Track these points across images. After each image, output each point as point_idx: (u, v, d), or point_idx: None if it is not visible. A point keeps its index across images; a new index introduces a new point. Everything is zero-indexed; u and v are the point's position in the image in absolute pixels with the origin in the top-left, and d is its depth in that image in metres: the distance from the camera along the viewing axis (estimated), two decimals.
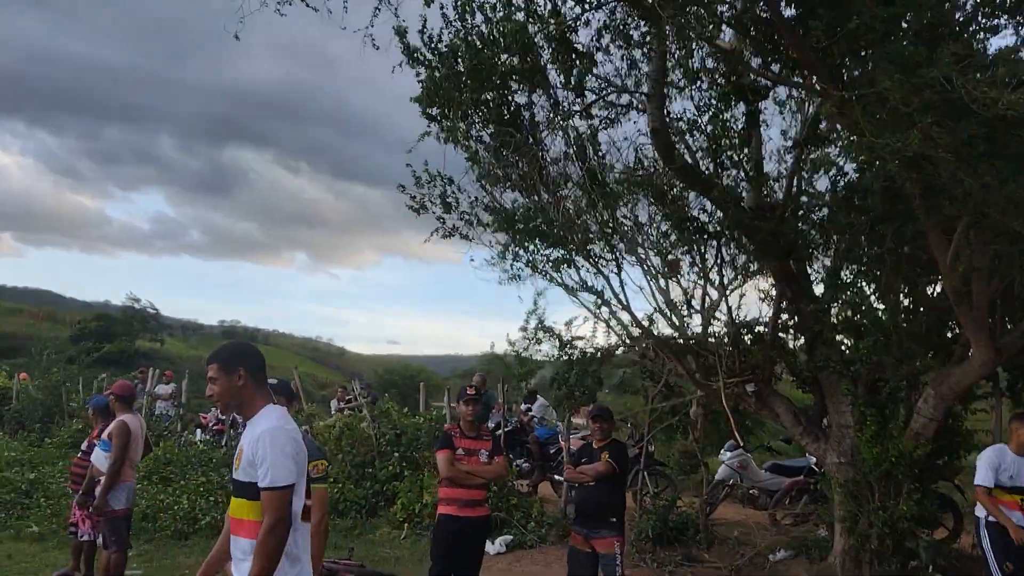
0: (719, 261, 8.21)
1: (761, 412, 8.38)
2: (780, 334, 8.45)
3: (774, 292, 8.38)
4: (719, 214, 7.85)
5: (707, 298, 8.42)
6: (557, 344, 9.31)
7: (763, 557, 8.44)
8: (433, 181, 7.97)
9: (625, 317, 8.31)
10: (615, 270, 8.07)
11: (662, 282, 8.43)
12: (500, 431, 11.96)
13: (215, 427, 16.45)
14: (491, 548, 9.16)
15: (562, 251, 7.91)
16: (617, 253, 8.04)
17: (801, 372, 8.40)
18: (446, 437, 6.28)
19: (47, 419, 17.18)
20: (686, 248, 8.20)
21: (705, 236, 8.02)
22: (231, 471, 3.50)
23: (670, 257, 8.21)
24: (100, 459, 7.12)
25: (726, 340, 8.32)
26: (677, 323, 8.45)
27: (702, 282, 8.37)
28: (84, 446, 7.94)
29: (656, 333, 8.47)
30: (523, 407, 12.31)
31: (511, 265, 8.16)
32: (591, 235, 7.89)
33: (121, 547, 7.07)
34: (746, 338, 8.31)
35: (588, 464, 6.32)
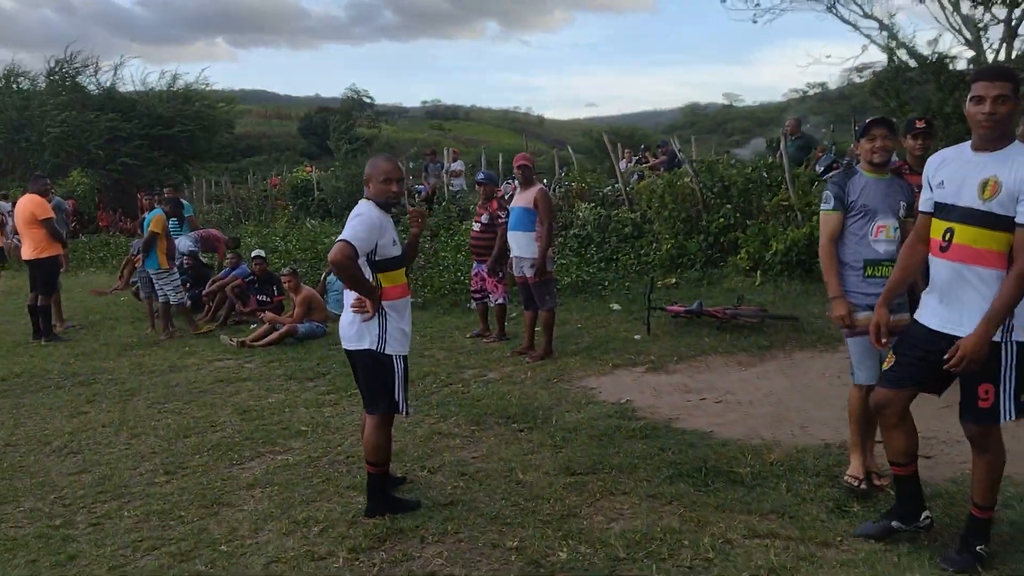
0: None
1: None
2: None
3: None
4: None
5: None
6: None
7: None
8: None
9: None
10: None
11: None
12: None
13: None
14: None
15: None
16: None
17: None
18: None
19: (351, 205, 18.46)
20: None
21: None
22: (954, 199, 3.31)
23: None
24: (519, 227, 7.47)
25: None
26: None
27: None
28: (484, 219, 8.34)
29: None
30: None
31: None
32: None
33: (555, 304, 7.58)
34: None
35: None
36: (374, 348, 4.06)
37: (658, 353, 7.46)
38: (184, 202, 12.92)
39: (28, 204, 9.96)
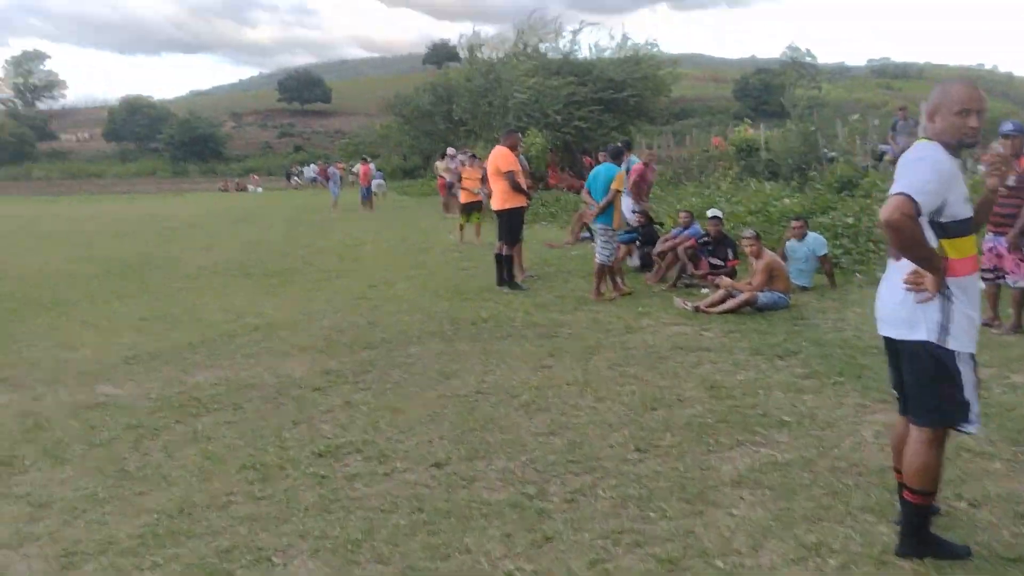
0: None
1: None
2: None
3: None
4: None
5: None
6: None
7: None
8: None
9: None
10: None
11: None
12: None
13: None
14: None
15: None
16: None
17: None
18: None
19: (803, 167, 17.05)
20: None
21: None
22: None
23: None
24: None
25: None
26: None
27: None
28: (1010, 181, 6.65)
29: None
30: None
31: None
32: None
33: None
34: None
35: None
36: (932, 340, 3.03)
37: None
38: (634, 157, 12.72)
39: (495, 156, 10.41)
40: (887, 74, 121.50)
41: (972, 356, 3.07)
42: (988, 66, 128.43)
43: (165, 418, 5.39)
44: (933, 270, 2.96)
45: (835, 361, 6.12)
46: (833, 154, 16.84)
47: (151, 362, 7.00)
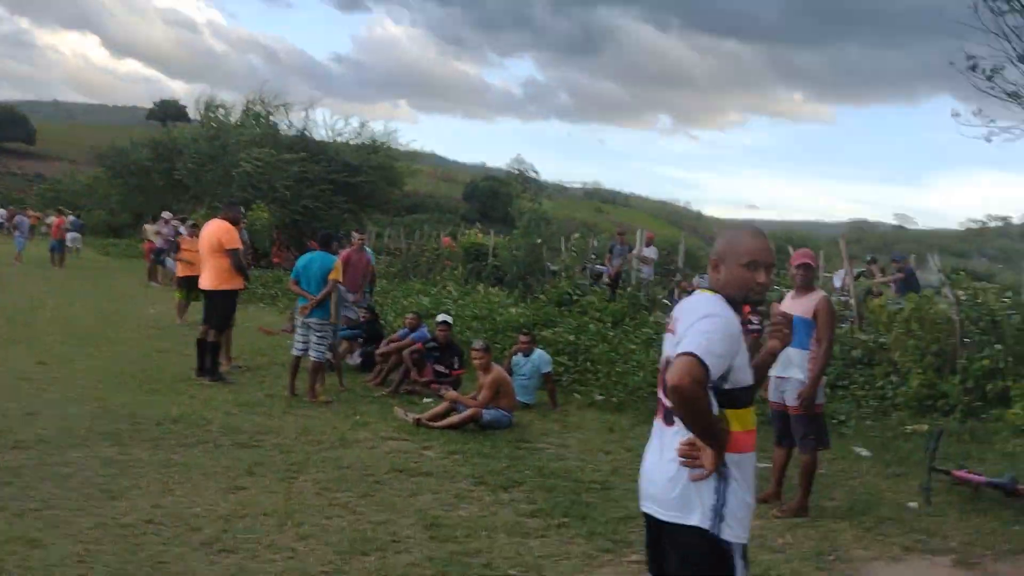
0: None
1: None
2: None
3: None
4: None
5: None
6: None
7: None
8: None
9: None
10: None
11: None
12: None
13: None
14: None
15: None
16: None
17: None
18: None
19: (527, 277, 17.43)
20: None
21: None
22: None
23: None
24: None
25: None
26: None
27: None
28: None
29: None
30: None
31: None
32: None
33: (825, 446, 5.98)
34: None
35: None
36: (706, 528, 2.62)
37: (957, 538, 5.63)
38: (368, 249, 12.11)
39: (216, 230, 9.28)
40: (598, 197, 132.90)
41: (745, 548, 2.71)
42: (682, 202, 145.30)
43: None
44: (716, 445, 2.57)
45: (560, 496, 5.75)
46: (555, 268, 17.44)
47: None
